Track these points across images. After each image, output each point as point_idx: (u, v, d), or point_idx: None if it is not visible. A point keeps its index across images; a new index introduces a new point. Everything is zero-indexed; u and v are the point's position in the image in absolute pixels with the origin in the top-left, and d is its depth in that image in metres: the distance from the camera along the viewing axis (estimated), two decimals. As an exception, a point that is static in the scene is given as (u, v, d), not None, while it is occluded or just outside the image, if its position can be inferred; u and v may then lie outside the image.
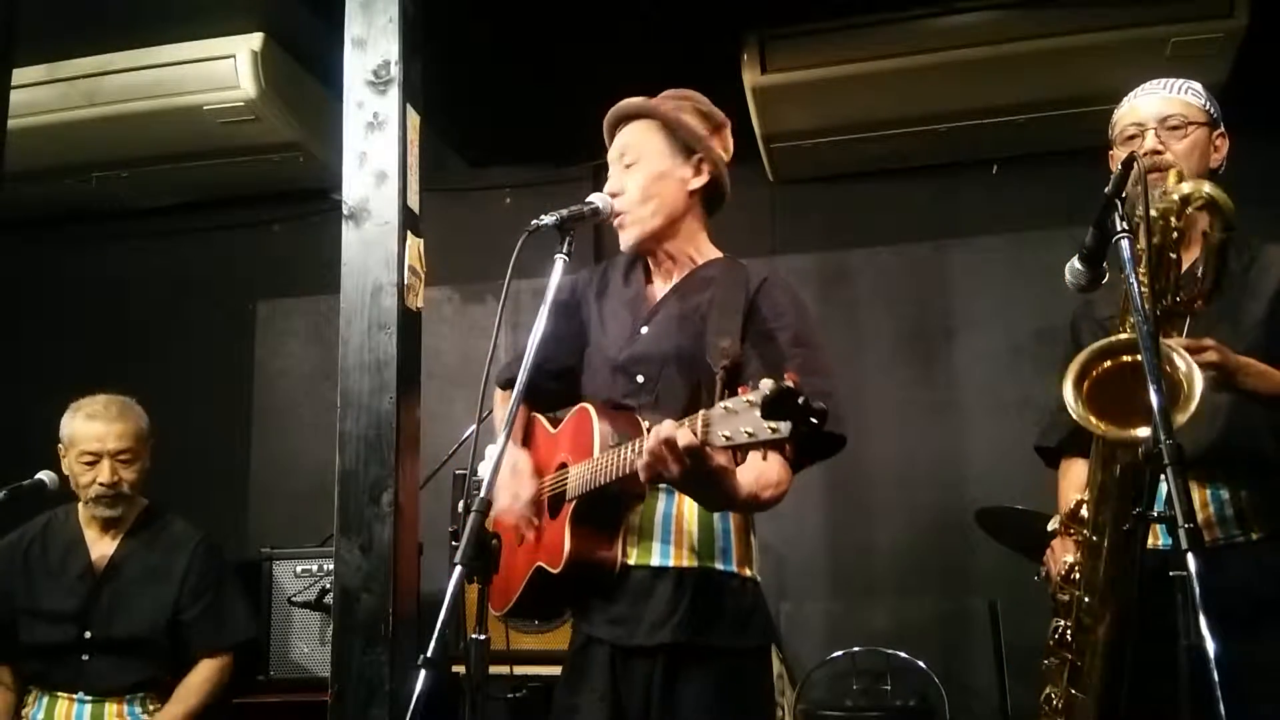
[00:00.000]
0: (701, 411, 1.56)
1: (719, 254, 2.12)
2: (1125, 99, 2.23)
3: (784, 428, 1.41)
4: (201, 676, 2.95)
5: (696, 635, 1.85)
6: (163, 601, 2.96)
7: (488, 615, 1.64)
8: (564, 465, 1.97)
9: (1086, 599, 2.03)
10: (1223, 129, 2.19)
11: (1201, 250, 1.94)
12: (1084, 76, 3.45)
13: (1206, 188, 1.88)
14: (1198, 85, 2.18)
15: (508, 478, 2.01)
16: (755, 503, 1.81)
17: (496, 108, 4.10)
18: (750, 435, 1.45)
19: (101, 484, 2.92)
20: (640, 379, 1.98)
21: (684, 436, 1.57)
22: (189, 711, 2.89)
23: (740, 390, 1.49)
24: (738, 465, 1.71)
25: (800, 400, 1.40)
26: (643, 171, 2.02)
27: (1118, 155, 2.21)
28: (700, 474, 1.62)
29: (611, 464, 1.79)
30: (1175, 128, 2.11)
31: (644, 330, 2.03)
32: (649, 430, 1.79)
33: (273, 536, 3.82)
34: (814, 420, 1.40)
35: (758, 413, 1.43)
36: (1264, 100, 3.78)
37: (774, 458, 1.72)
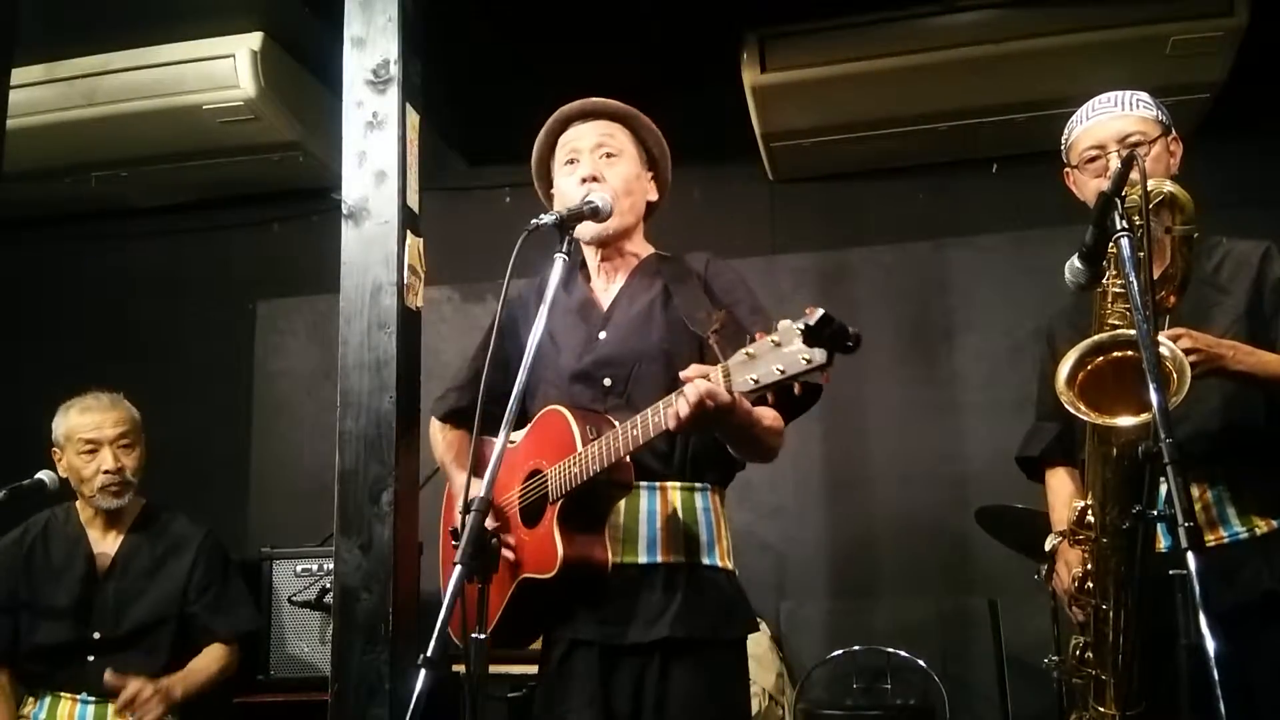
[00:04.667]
0: (719, 364, 1.59)
1: (651, 247, 2.17)
2: (1076, 118, 2.23)
3: (818, 355, 1.44)
4: (210, 657, 2.95)
5: (690, 628, 1.87)
6: (169, 596, 2.96)
7: (488, 615, 1.64)
8: (535, 472, 1.95)
9: (1103, 606, 2.02)
10: (1175, 133, 2.20)
11: (1167, 246, 1.96)
12: (1084, 75, 3.44)
13: (1167, 185, 1.91)
14: (1146, 95, 2.19)
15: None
16: (770, 438, 1.89)
17: (496, 108, 4.09)
18: (782, 371, 1.48)
19: (106, 471, 2.92)
20: (608, 382, 1.99)
21: (720, 394, 1.61)
22: (191, 685, 2.86)
23: (757, 337, 1.52)
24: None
25: (837, 324, 1.44)
26: (625, 167, 2.08)
27: (1078, 177, 2.22)
28: (731, 421, 1.70)
29: (603, 451, 1.79)
30: (1136, 145, 2.11)
31: (602, 335, 2.04)
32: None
33: (273, 536, 3.82)
34: (850, 343, 1.44)
35: (793, 345, 1.46)
36: (1264, 100, 3.78)
37: (765, 408, 1.79)
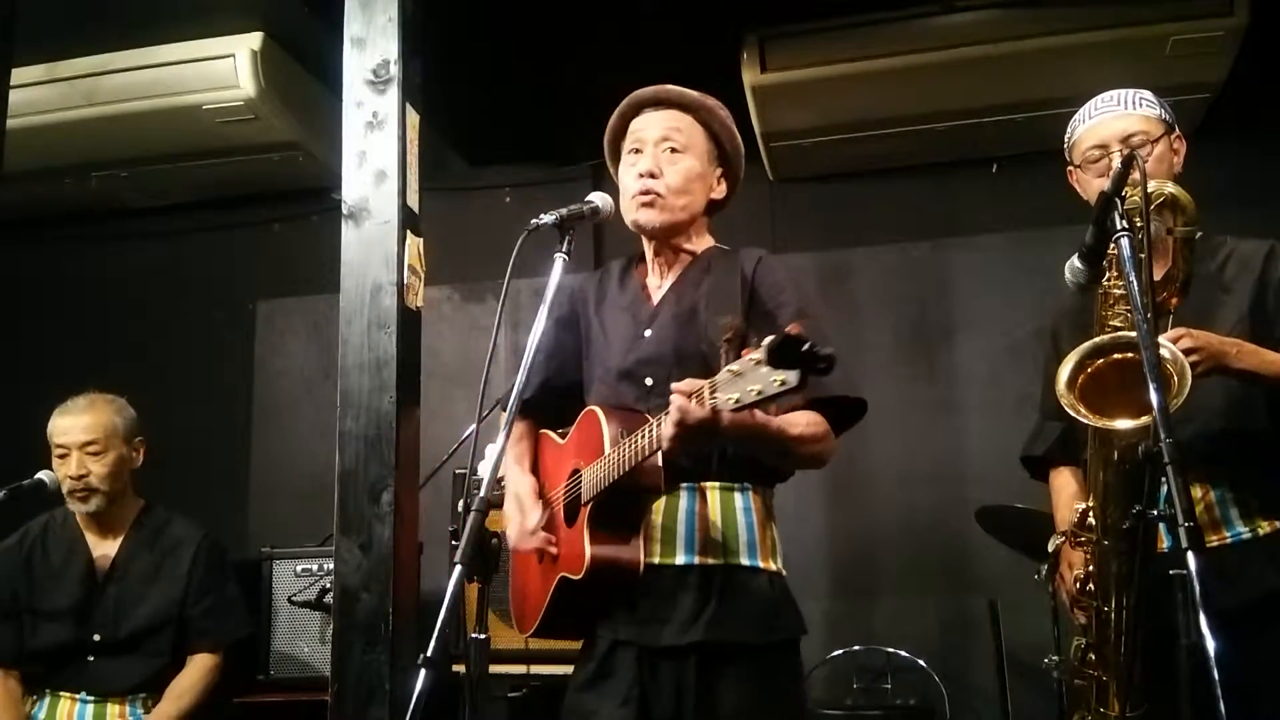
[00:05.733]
0: (708, 380, 1.56)
1: (712, 242, 2.12)
2: (1079, 117, 2.22)
3: (791, 377, 1.40)
4: (195, 675, 2.95)
5: (726, 633, 1.84)
6: (168, 599, 2.96)
7: (488, 614, 1.64)
8: (575, 472, 1.95)
9: (1105, 608, 2.02)
10: (1178, 131, 2.19)
11: (1169, 247, 1.96)
12: (1084, 75, 3.43)
13: (1169, 187, 1.91)
14: (1149, 94, 2.18)
15: (512, 509, 2.01)
16: (800, 446, 1.82)
17: (496, 108, 4.09)
18: (759, 393, 1.45)
19: (70, 477, 2.93)
20: (649, 382, 1.96)
21: (695, 413, 1.58)
22: (183, 710, 2.89)
23: (743, 354, 1.49)
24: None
25: (805, 346, 1.39)
26: (688, 163, 2.01)
27: (1081, 176, 2.21)
28: (728, 437, 1.65)
29: (623, 456, 1.77)
30: (1139, 144, 2.11)
31: (647, 333, 2.00)
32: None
33: (273, 536, 3.82)
34: (821, 365, 1.39)
35: (764, 368, 1.43)
36: (1264, 100, 3.78)
37: (803, 411, 1.77)
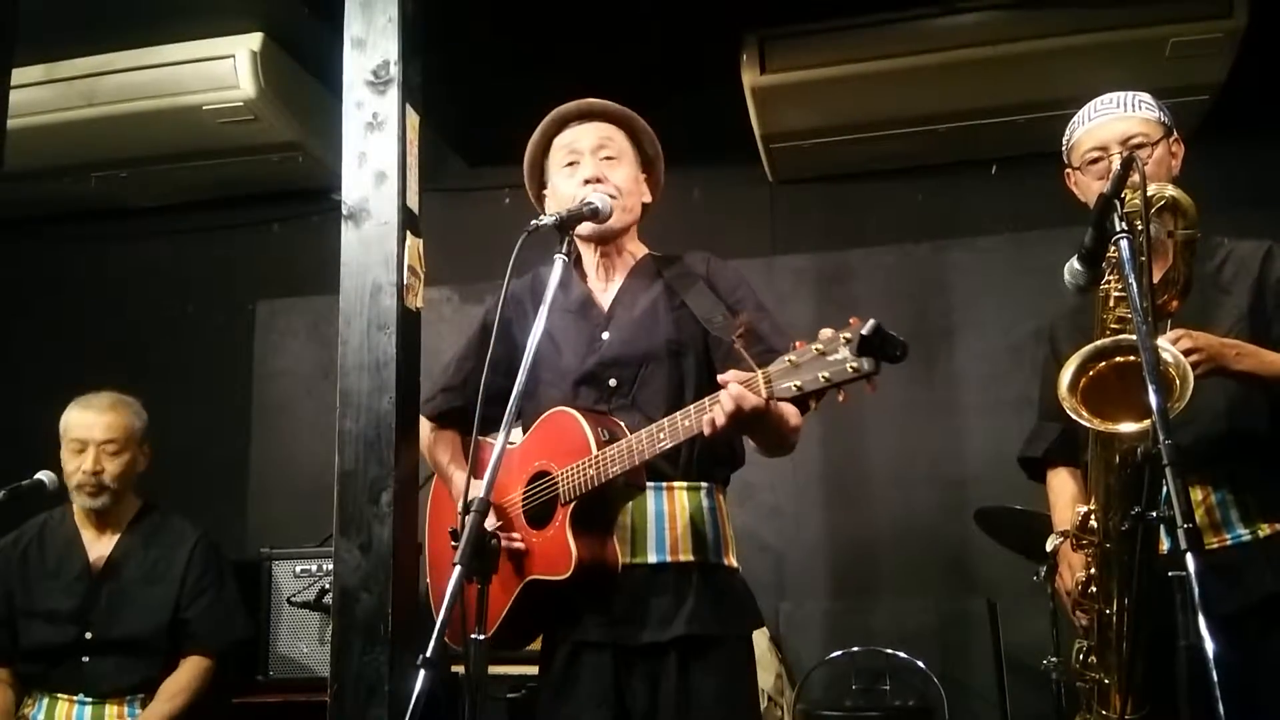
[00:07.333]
0: (759, 371, 1.64)
1: (645, 249, 2.19)
2: (1078, 119, 2.23)
3: (867, 364, 1.49)
4: (188, 676, 2.94)
5: (707, 626, 1.89)
6: (164, 601, 2.96)
7: (487, 615, 1.64)
8: (542, 474, 1.95)
9: (1107, 610, 2.03)
10: (1176, 134, 2.19)
11: (1168, 249, 1.97)
12: (1083, 77, 3.44)
13: (1169, 190, 1.92)
14: (1148, 96, 2.19)
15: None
16: (793, 434, 1.92)
17: (496, 108, 4.09)
18: (828, 379, 1.53)
19: (84, 471, 2.93)
20: (613, 383, 2.00)
21: (751, 399, 1.65)
22: (176, 710, 2.88)
23: (797, 345, 1.57)
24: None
25: (888, 335, 1.48)
26: (625, 169, 2.09)
27: (1080, 179, 2.21)
28: (763, 425, 1.75)
29: (625, 454, 1.79)
30: (1139, 146, 2.11)
31: (606, 335, 2.04)
32: (628, 430, 1.86)
33: (272, 536, 3.82)
34: (898, 353, 1.49)
35: (839, 354, 1.51)
36: (1263, 100, 3.78)
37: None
